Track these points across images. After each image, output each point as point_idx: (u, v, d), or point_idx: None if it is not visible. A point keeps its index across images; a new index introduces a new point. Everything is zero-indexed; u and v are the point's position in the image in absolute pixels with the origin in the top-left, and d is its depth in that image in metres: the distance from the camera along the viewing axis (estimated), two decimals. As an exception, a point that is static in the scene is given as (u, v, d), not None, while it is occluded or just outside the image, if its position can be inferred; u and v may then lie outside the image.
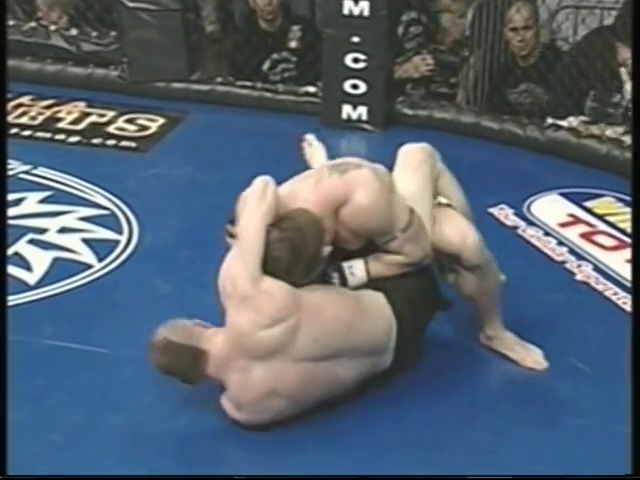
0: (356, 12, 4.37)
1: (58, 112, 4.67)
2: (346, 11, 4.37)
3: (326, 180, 2.62)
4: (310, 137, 3.15)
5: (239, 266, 2.53)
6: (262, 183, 2.61)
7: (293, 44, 4.79)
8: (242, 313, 2.51)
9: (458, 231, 2.71)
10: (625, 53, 4.09)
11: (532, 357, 2.83)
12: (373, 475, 2.48)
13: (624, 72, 4.12)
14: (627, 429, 2.38)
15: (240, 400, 2.58)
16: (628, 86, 4.09)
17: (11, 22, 4.96)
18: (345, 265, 2.68)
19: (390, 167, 4.18)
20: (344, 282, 2.68)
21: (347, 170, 2.62)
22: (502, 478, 2.45)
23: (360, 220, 2.58)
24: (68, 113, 4.67)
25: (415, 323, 2.70)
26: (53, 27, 5.00)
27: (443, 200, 2.82)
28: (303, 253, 2.54)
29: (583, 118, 4.23)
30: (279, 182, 2.68)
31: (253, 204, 2.57)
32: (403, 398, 2.73)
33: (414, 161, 2.77)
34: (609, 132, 4.15)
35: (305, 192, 2.62)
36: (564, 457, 2.55)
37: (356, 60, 4.46)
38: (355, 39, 4.42)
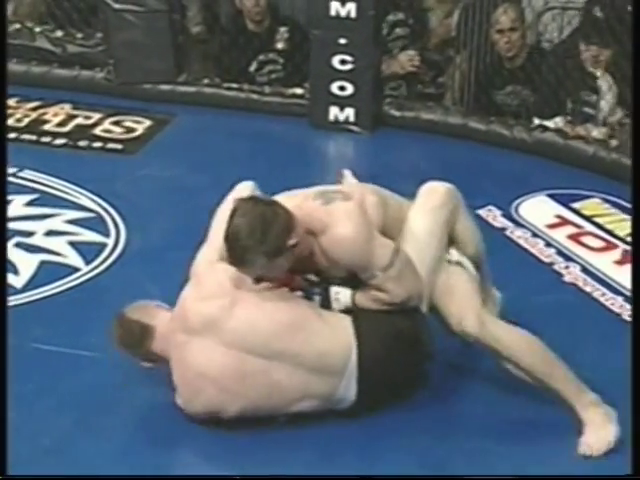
0: (343, 13, 4.37)
1: (44, 114, 4.66)
2: (333, 12, 4.38)
3: (308, 203, 2.59)
4: (346, 172, 2.96)
5: (203, 252, 2.68)
6: (243, 188, 2.67)
7: (280, 45, 4.78)
8: (189, 288, 2.64)
9: (457, 311, 2.64)
10: (589, 51, 4.10)
11: (591, 442, 2.59)
12: (373, 475, 2.47)
13: (595, 71, 4.13)
14: (622, 429, 2.40)
15: (176, 379, 2.61)
16: (603, 85, 4.10)
17: (-5, 24, 4.93)
18: (332, 290, 2.64)
19: (378, 169, 4.23)
20: (327, 305, 2.64)
21: (333, 200, 2.59)
22: (502, 478, 2.45)
23: (337, 252, 2.53)
24: (54, 115, 4.65)
25: (387, 360, 2.59)
26: (38, 29, 4.98)
27: (454, 257, 2.73)
28: (265, 233, 2.46)
29: (568, 118, 4.25)
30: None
31: (229, 204, 2.60)
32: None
33: (433, 201, 2.71)
34: (595, 133, 4.17)
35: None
36: (564, 457, 2.56)
37: (343, 62, 4.46)
38: (342, 40, 4.42)
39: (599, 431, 2.58)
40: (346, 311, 2.64)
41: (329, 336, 2.57)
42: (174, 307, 2.67)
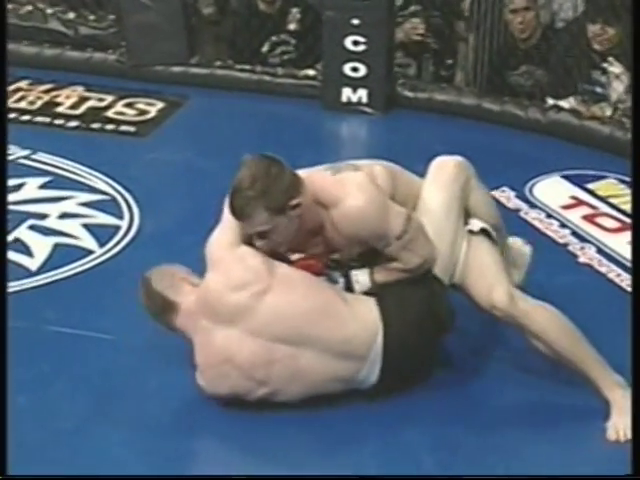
0: (356, -6, 4.35)
1: (57, 96, 4.65)
2: (346, -7, 4.36)
3: (317, 174, 2.60)
4: None
5: (219, 233, 2.60)
6: None
7: (292, 26, 4.75)
8: (214, 274, 2.57)
9: (486, 287, 2.63)
10: (592, 29, 4.08)
11: (619, 428, 2.56)
12: (373, 475, 2.46)
13: (596, 47, 4.11)
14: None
15: (200, 362, 2.59)
16: (612, 75, 4.08)
17: (9, 6, 4.92)
18: (352, 273, 2.64)
19: (391, 150, 4.21)
20: (349, 288, 2.64)
21: (342, 171, 2.59)
22: (502, 478, 2.43)
23: (351, 224, 2.52)
24: (67, 97, 4.65)
25: (411, 341, 2.58)
26: (50, 10, 4.97)
27: (476, 227, 2.72)
28: (267, 186, 2.45)
29: (583, 98, 4.22)
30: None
31: None
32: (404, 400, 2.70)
33: (445, 176, 2.70)
34: (609, 112, 4.14)
35: None
36: (564, 456, 2.54)
37: (356, 43, 4.44)
38: (355, 21, 4.40)
39: (626, 414, 2.56)
40: (368, 292, 2.63)
41: (355, 321, 2.56)
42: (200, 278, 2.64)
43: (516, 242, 2.97)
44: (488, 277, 2.65)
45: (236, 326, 2.54)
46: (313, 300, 2.55)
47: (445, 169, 2.72)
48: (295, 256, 2.68)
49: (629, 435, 2.53)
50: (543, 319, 2.62)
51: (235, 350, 2.53)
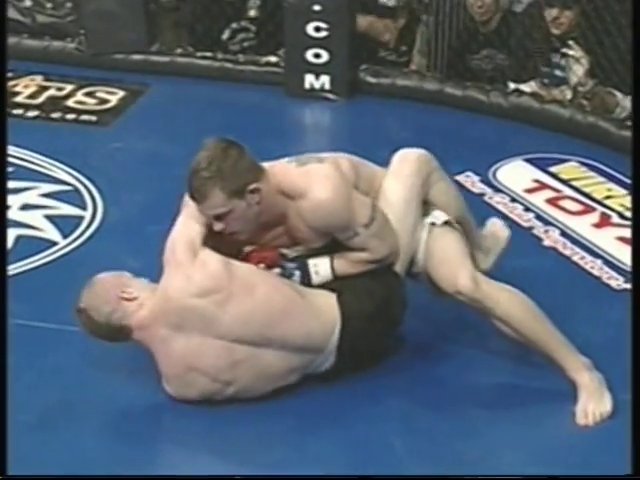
0: (317, -20, 4.33)
1: (15, 86, 4.59)
2: (307, -21, 4.34)
3: (282, 165, 2.59)
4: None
5: (179, 231, 2.55)
6: None
7: (252, 13, 4.73)
8: (174, 279, 2.52)
9: (450, 272, 2.64)
10: (550, 13, 4.11)
11: (589, 409, 2.57)
12: (373, 475, 2.46)
13: (554, 31, 4.14)
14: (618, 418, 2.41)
15: (164, 372, 2.58)
16: (571, 59, 4.10)
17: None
18: (310, 262, 2.63)
19: (355, 136, 4.21)
20: (307, 280, 2.63)
21: (307, 163, 2.59)
22: (502, 478, 2.44)
23: (318, 215, 2.52)
24: (25, 87, 4.59)
25: (368, 331, 2.61)
26: (7, -1, 4.89)
27: (439, 219, 2.72)
28: (224, 167, 2.46)
29: (544, 81, 4.25)
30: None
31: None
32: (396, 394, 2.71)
33: (407, 169, 2.70)
34: (569, 96, 4.17)
35: None
36: (563, 456, 2.53)
37: (318, 29, 4.43)
38: (316, 7, 4.38)
39: (594, 397, 2.58)
40: (327, 284, 2.63)
41: (314, 317, 2.57)
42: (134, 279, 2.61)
43: (495, 224, 2.97)
44: (452, 263, 2.66)
45: (198, 331, 2.52)
46: (273, 302, 2.54)
47: (407, 162, 2.72)
48: (248, 247, 2.66)
49: (598, 418, 2.55)
50: (507, 302, 2.63)
51: (198, 357, 2.53)
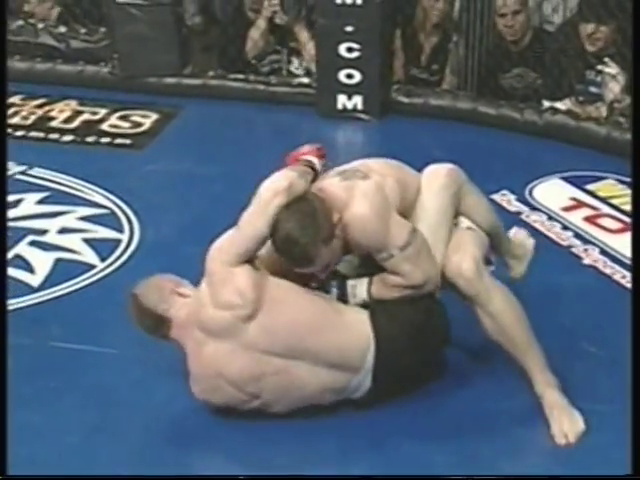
0: (349, 1, 4.34)
1: (50, 111, 4.63)
2: (339, 0, 4.35)
3: (327, 181, 2.60)
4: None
5: (223, 248, 2.56)
6: (283, 184, 2.54)
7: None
8: (207, 287, 2.55)
9: (456, 256, 2.62)
10: (586, 29, 4.09)
11: (566, 429, 2.57)
12: (373, 475, 2.45)
13: (589, 48, 4.12)
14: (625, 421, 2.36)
15: (193, 372, 2.59)
16: (607, 76, 4.08)
17: (-2, 21, 4.91)
18: (349, 283, 2.63)
19: (388, 156, 4.19)
20: (344, 298, 2.62)
21: (351, 178, 2.59)
22: (502, 478, 2.42)
23: (354, 230, 2.52)
24: (60, 112, 4.63)
25: (404, 352, 2.57)
26: (41, 25, 4.95)
27: (463, 224, 2.72)
28: (315, 224, 2.48)
29: (579, 99, 4.23)
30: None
31: (265, 201, 2.52)
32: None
33: (437, 184, 2.69)
34: (605, 113, 4.14)
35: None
36: (564, 455, 2.53)
37: (350, 49, 4.43)
38: (348, 28, 4.39)
39: (566, 416, 2.58)
40: (363, 305, 2.62)
41: (347, 333, 2.55)
42: (192, 287, 2.63)
43: (519, 232, 2.98)
44: (461, 249, 2.64)
45: (226, 341, 2.53)
46: (304, 315, 2.54)
47: (437, 177, 2.71)
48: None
49: (577, 434, 2.55)
50: (503, 301, 2.63)
51: (224, 364, 2.53)
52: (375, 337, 2.55)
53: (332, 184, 2.59)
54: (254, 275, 2.52)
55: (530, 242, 2.96)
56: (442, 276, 2.64)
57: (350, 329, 2.56)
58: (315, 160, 2.68)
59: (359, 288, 2.62)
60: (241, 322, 2.51)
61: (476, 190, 2.80)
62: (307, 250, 2.49)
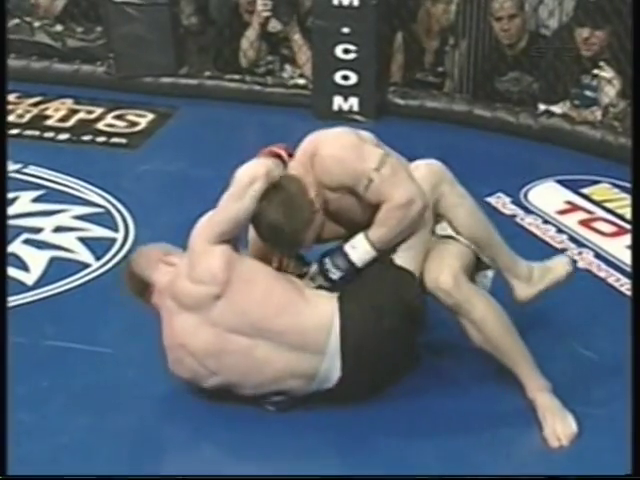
0: (346, 2, 4.35)
1: (45, 109, 4.63)
2: (336, 2, 4.35)
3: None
4: None
5: (205, 226, 2.63)
6: (261, 169, 2.60)
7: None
8: (185, 261, 2.63)
9: (435, 269, 2.63)
10: (581, 34, 4.10)
11: (559, 431, 2.57)
12: (373, 475, 2.45)
13: (585, 53, 4.13)
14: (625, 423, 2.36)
15: (164, 341, 2.66)
16: (604, 73, 4.09)
17: (-6, 19, 4.90)
18: (346, 245, 2.62)
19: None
20: (347, 260, 2.61)
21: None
22: (502, 478, 2.43)
23: (329, 168, 2.58)
24: (55, 110, 4.63)
25: (372, 338, 2.56)
26: (37, 23, 4.95)
27: (445, 231, 2.71)
28: (297, 209, 2.56)
29: (575, 102, 4.24)
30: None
31: (244, 186, 2.58)
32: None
33: (417, 174, 2.68)
34: (600, 116, 4.15)
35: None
36: (556, 458, 2.53)
37: (346, 51, 4.44)
38: (345, 29, 4.40)
39: (559, 418, 2.58)
40: (330, 288, 2.63)
41: (311, 315, 2.57)
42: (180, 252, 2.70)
43: (559, 259, 2.94)
44: (439, 261, 2.65)
45: (195, 314, 2.59)
46: (270, 296, 2.58)
47: (417, 169, 2.71)
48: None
49: (570, 437, 2.55)
50: (484, 308, 2.62)
51: (188, 336, 2.59)
52: (340, 318, 2.56)
53: (308, 138, 2.68)
54: (228, 256, 2.58)
55: (564, 269, 2.87)
56: (423, 286, 2.64)
57: (313, 310, 2.58)
58: (284, 155, 2.71)
59: (359, 245, 2.61)
60: (210, 299, 2.57)
61: (462, 193, 2.76)
62: (294, 237, 2.58)
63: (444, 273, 2.62)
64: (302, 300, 2.59)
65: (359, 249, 2.62)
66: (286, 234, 2.57)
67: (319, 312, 2.58)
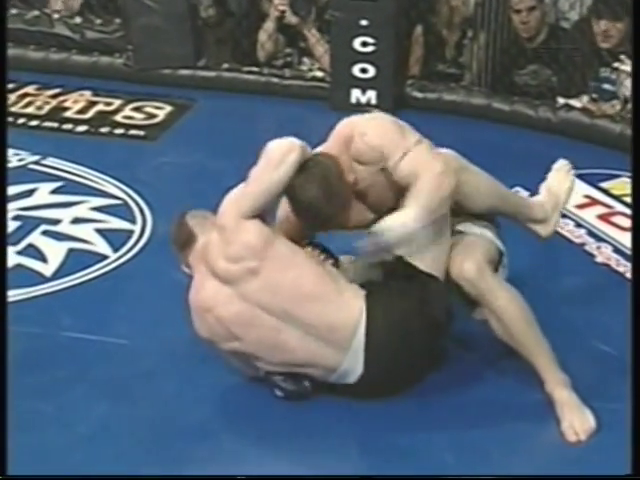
0: (364, -5, 4.34)
1: (64, 101, 4.64)
2: (354, -6, 4.35)
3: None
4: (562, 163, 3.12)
5: (233, 201, 2.60)
6: (296, 142, 2.62)
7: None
8: (216, 237, 2.60)
9: (459, 258, 2.63)
10: (600, 26, 4.07)
11: (576, 426, 2.56)
12: (373, 475, 2.45)
13: (603, 45, 4.11)
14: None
15: (190, 300, 2.64)
16: (624, 66, 4.06)
17: (13, 11, 4.92)
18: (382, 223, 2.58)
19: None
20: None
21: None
22: (502, 478, 2.42)
23: (368, 140, 2.61)
24: (74, 102, 4.64)
25: (396, 339, 2.56)
26: (57, 15, 4.96)
27: (476, 230, 2.73)
28: (335, 190, 2.57)
29: (593, 96, 4.21)
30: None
31: (279, 156, 2.57)
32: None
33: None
34: (619, 109, 4.12)
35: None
36: (564, 455, 2.52)
37: (365, 44, 4.43)
38: (363, 22, 4.38)
39: (577, 413, 2.57)
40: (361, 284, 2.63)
41: (340, 309, 2.56)
42: None
43: (557, 173, 3.07)
44: (465, 252, 2.65)
45: (228, 286, 2.58)
46: (306, 284, 2.56)
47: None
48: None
49: (588, 432, 2.54)
50: (507, 300, 2.62)
51: (219, 305, 2.57)
52: (367, 320, 2.54)
53: (341, 122, 2.73)
54: (265, 231, 2.56)
55: (567, 182, 2.99)
56: (448, 278, 2.64)
57: (343, 305, 2.56)
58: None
59: (390, 221, 2.55)
60: (246, 274, 2.54)
61: (475, 171, 2.79)
62: (329, 218, 2.60)
63: (468, 262, 2.62)
64: (334, 291, 2.57)
65: (395, 223, 2.54)
66: (323, 214, 2.58)
67: (348, 308, 2.56)
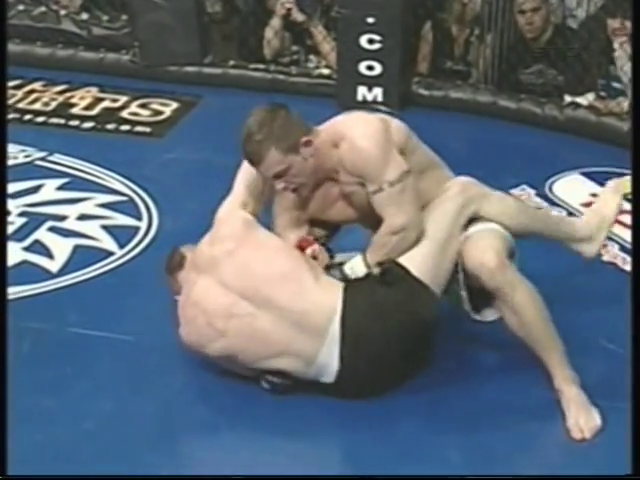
0: (371, -8, 4.34)
1: (71, 97, 4.64)
2: (361, -9, 4.34)
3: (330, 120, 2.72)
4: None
5: (225, 201, 2.79)
6: None
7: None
8: (207, 238, 2.74)
9: (480, 248, 2.62)
10: (613, 24, 4.06)
11: (582, 423, 2.57)
12: (373, 475, 2.45)
13: (616, 43, 4.10)
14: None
15: (180, 305, 2.71)
16: (622, 59, 4.05)
17: (20, 7, 4.93)
18: (346, 267, 2.65)
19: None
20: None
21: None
22: (502, 478, 2.42)
23: (354, 155, 2.57)
24: (81, 98, 4.64)
25: (372, 332, 2.56)
26: (63, 12, 4.96)
27: (485, 225, 2.70)
28: (276, 127, 2.57)
29: (601, 94, 4.20)
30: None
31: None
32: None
33: (445, 195, 2.71)
34: (626, 107, 4.11)
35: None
36: (563, 455, 2.53)
37: (371, 41, 4.42)
38: (370, 19, 4.38)
39: (583, 411, 2.58)
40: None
41: (316, 296, 2.57)
42: None
43: (604, 195, 3.01)
44: (485, 242, 2.64)
45: (211, 275, 2.64)
46: (279, 264, 2.61)
47: (453, 186, 2.72)
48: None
49: (594, 430, 2.55)
50: (526, 295, 2.62)
51: (203, 294, 2.65)
52: (342, 310, 2.55)
53: (333, 119, 2.72)
54: (250, 219, 2.69)
55: (613, 204, 2.92)
56: (465, 269, 2.63)
57: (319, 294, 2.58)
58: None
59: (356, 265, 2.64)
60: (225, 257, 2.62)
61: (497, 195, 2.77)
62: (257, 147, 2.58)
63: (490, 252, 2.61)
64: (310, 276, 2.59)
65: (357, 271, 2.64)
66: (252, 142, 2.57)
67: (324, 293, 2.58)
